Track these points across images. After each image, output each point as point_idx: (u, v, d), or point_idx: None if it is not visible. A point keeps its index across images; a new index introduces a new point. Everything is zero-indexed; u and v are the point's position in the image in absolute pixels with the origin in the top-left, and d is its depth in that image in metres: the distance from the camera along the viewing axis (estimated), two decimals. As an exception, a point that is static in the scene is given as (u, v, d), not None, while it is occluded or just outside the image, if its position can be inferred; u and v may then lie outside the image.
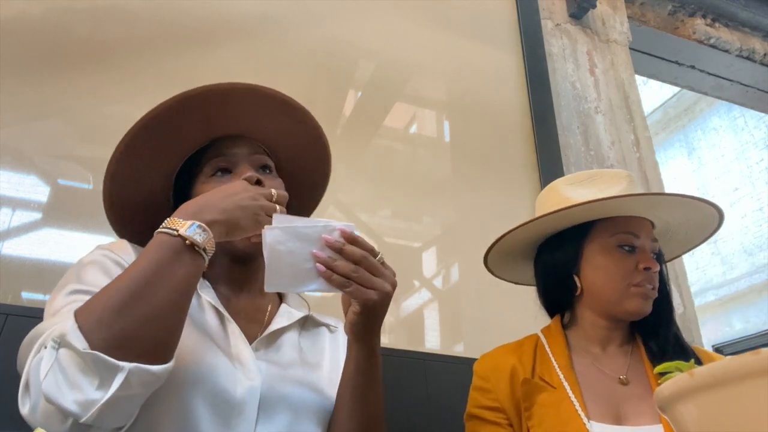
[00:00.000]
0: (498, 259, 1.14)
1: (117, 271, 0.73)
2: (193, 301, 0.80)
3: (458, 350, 1.54)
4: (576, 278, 1.02)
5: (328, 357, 0.89)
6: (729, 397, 0.37)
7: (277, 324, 0.84)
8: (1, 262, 1.18)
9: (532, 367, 0.98)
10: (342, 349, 0.90)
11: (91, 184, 1.33)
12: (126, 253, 0.79)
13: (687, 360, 0.97)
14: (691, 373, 0.39)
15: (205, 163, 0.87)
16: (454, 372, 1.33)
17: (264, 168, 0.89)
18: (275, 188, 0.84)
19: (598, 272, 0.99)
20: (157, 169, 0.88)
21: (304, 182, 1.00)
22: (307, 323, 0.91)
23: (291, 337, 0.86)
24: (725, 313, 5.86)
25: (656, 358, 0.96)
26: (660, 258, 1.03)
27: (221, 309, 0.80)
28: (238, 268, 0.86)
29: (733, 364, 0.37)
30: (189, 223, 0.67)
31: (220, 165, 0.86)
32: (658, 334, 0.99)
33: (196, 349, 0.73)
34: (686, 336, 1.83)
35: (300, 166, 0.98)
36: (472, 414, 1.00)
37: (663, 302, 1.00)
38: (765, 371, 0.35)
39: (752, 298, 5.65)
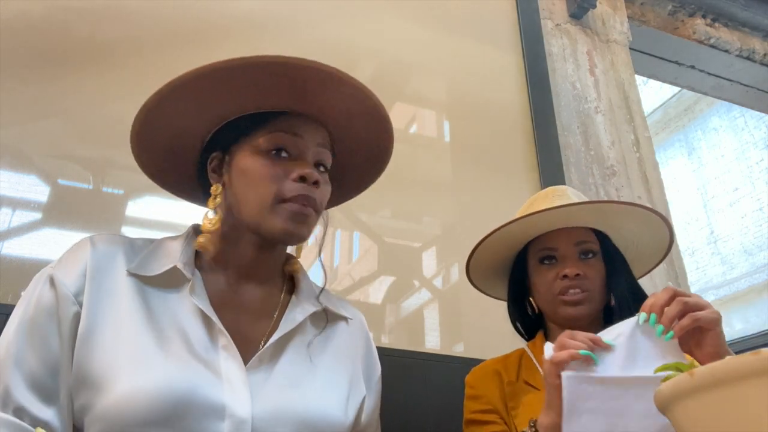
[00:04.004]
0: (480, 275, 1.18)
1: (51, 325, 0.66)
2: (182, 306, 0.72)
3: (458, 350, 1.54)
4: (531, 300, 1.10)
5: (338, 361, 0.80)
6: (729, 397, 0.37)
7: (283, 328, 0.75)
8: (1, 262, 1.18)
9: (517, 373, 1.03)
10: (358, 346, 0.84)
11: (91, 184, 1.33)
12: (77, 268, 0.71)
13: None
14: (691, 373, 0.39)
15: (264, 133, 0.78)
16: (454, 372, 1.33)
17: (320, 166, 0.81)
18: (325, 196, 0.79)
19: (536, 292, 1.06)
20: (200, 116, 0.80)
21: (353, 177, 0.93)
22: (322, 319, 0.83)
23: (301, 340, 0.77)
24: (725, 313, 5.83)
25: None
26: (610, 255, 1.05)
27: (214, 318, 0.71)
28: (259, 255, 0.79)
29: (733, 364, 0.37)
30: None
31: (284, 144, 0.77)
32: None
33: (175, 371, 0.64)
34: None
35: (354, 163, 0.90)
36: (469, 420, 1.02)
37: (621, 295, 1.02)
38: (765, 371, 0.35)
39: (752, 298, 5.65)
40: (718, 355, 0.73)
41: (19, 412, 0.62)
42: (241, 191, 0.77)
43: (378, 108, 0.83)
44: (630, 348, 0.73)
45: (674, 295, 0.74)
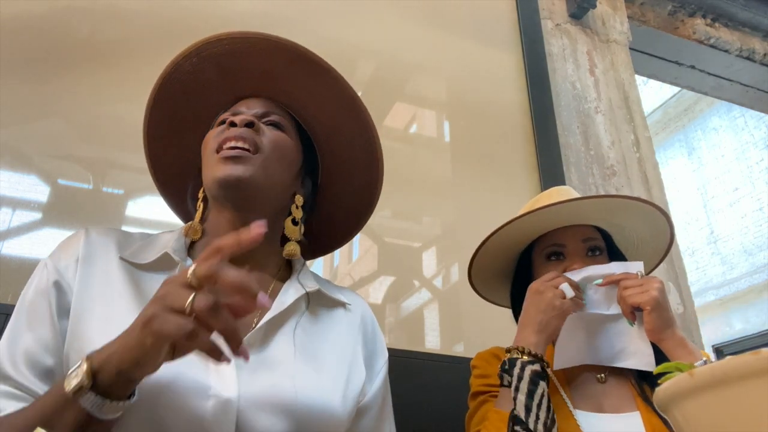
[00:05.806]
0: (481, 281, 1.19)
1: (44, 305, 0.68)
2: None
3: (458, 350, 1.54)
4: None
5: (336, 347, 0.77)
6: (729, 397, 0.37)
7: (273, 311, 0.73)
8: (1, 262, 1.18)
9: None
10: (359, 332, 0.82)
11: (91, 184, 1.33)
12: (70, 254, 0.73)
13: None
14: (691, 373, 0.39)
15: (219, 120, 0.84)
16: (454, 372, 1.33)
17: (273, 125, 0.82)
18: (273, 140, 0.79)
19: None
20: (192, 130, 0.86)
21: (350, 168, 0.91)
22: (317, 302, 0.81)
23: (291, 324, 0.75)
24: (725, 313, 5.86)
25: None
26: (615, 253, 1.08)
27: None
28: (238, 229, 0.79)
29: (733, 364, 0.37)
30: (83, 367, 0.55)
31: (224, 117, 0.81)
32: None
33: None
34: (686, 336, 1.83)
35: (339, 141, 0.89)
36: (476, 391, 1.03)
37: None
38: (765, 371, 0.35)
39: (752, 298, 5.65)
40: (654, 332, 0.92)
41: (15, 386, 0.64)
42: (201, 166, 0.82)
43: (310, 57, 0.83)
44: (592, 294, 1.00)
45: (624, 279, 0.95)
